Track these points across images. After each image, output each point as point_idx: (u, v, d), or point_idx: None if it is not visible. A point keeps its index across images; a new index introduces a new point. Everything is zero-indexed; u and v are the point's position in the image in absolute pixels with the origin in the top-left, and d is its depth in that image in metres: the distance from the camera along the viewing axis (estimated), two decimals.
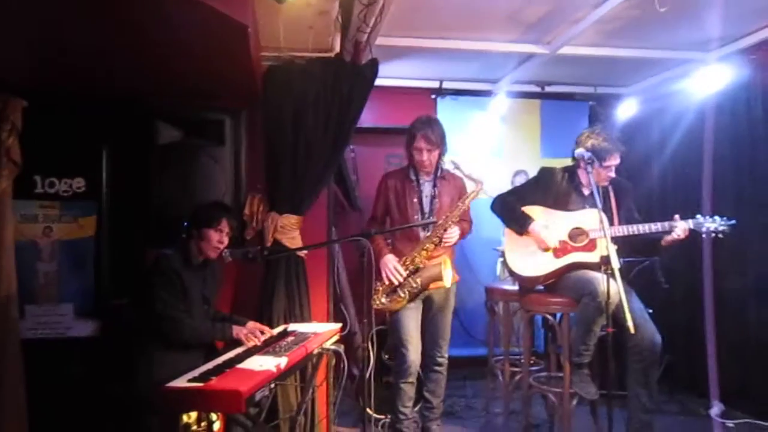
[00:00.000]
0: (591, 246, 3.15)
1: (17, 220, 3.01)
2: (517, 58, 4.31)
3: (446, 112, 4.88)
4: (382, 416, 3.47)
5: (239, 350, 2.54)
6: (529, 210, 3.27)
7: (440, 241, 3.22)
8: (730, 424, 3.75)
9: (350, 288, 4.13)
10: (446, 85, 4.95)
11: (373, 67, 3.34)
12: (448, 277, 3.20)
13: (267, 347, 2.55)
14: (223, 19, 2.23)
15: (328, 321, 3.41)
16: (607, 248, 2.72)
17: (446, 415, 3.79)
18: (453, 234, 3.22)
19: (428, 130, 3.20)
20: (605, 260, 2.69)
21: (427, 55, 4.16)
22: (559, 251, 3.20)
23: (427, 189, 3.34)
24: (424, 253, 3.20)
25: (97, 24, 2.28)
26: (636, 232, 3.05)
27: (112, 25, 2.29)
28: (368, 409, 2.95)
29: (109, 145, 3.22)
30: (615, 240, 2.96)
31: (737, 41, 3.84)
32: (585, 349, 3.08)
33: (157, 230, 3.02)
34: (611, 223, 3.12)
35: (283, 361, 2.26)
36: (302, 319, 3.27)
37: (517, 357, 3.96)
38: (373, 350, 3.26)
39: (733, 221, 3.01)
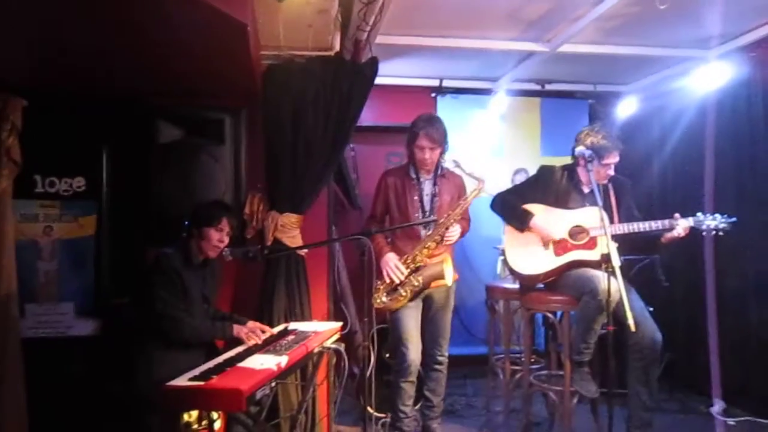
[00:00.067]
0: (591, 244, 3.15)
1: (17, 220, 3.01)
2: (517, 56, 4.31)
3: (446, 111, 4.88)
4: (383, 415, 3.47)
5: (240, 349, 2.53)
6: (530, 208, 3.27)
7: (442, 240, 3.22)
8: (731, 422, 3.75)
9: (351, 287, 4.12)
10: (446, 83, 4.95)
11: (373, 65, 3.33)
12: (450, 276, 3.20)
13: (267, 346, 2.55)
14: (222, 18, 2.23)
15: (328, 320, 3.41)
16: (607, 246, 2.71)
17: (447, 413, 3.78)
18: (455, 232, 3.22)
19: (431, 128, 3.20)
20: (606, 258, 2.68)
21: (427, 53, 4.15)
22: (560, 249, 3.19)
23: (427, 187, 3.34)
24: (425, 251, 3.20)
25: (96, 23, 2.28)
26: (636, 230, 3.05)
27: (111, 24, 2.29)
28: (369, 408, 2.95)
29: (109, 145, 3.22)
30: (615, 238, 2.96)
31: (737, 38, 3.84)
32: (585, 348, 3.08)
33: (157, 229, 3.01)
34: (611, 221, 3.12)
35: (283, 360, 2.26)
36: (303, 318, 3.27)
37: (518, 355, 3.96)
38: (373, 349, 3.25)
39: (734, 219, 3.01)
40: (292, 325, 3.06)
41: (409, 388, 3.29)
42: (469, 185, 3.42)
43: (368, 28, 3.20)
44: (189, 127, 3.12)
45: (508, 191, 3.46)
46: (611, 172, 3.19)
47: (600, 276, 2.89)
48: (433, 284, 3.23)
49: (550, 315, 3.36)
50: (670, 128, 4.58)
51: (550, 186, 3.31)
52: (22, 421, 2.66)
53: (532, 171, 3.57)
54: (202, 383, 2.01)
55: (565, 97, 5.13)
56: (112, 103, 3.10)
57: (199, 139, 3.13)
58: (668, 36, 3.84)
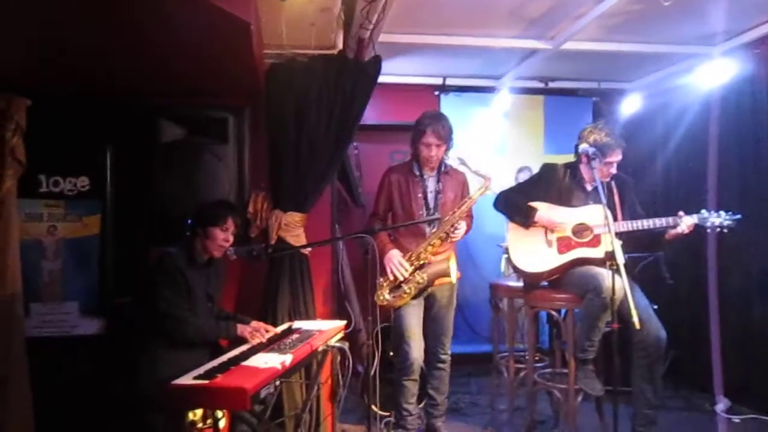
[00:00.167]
0: (595, 241, 3.14)
1: (22, 219, 3.02)
2: (520, 54, 4.30)
3: (449, 109, 4.85)
4: (387, 413, 3.46)
5: (244, 348, 2.54)
6: (534, 205, 3.25)
7: (447, 237, 3.21)
8: (736, 419, 3.73)
9: (354, 285, 4.12)
10: (449, 81, 4.94)
11: (376, 63, 3.33)
12: (455, 273, 3.19)
13: (272, 345, 2.55)
14: (225, 17, 2.23)
15: (332, 318, 3.41)
16: (611, 243, 2.70)
17: (451, 411, 3.78)
18: (462, 229, 3.22)
19: (437, 125, 3.20)
20: (610, 255, 2.67)
21: (430, 51, 4.15)
22: (563, 247, 3.19)
23: (431, 184, 3.33)
24: (430, 248, 3.19)
25: (99, 23, 2.28)
26: (640, 228, 3.04)
27: (113, 23, 2.29)
28: (373, 406, 2.96)
29: (113, 144, 3.23)
30: (619, 235, 2.95)
31: (741, 35, 3.83)
32: (590, 345, 3.07)
33: (160, 228, 3.02)
34: (615, 219, 3.10)
35: (287, 359, 2.26)
36: (306, 317, 3.27)
37: (522, 353, 3.95)
38: (377, 347, 3.25)
39: (739, 215, 3.00)
40: (296, 324, 3.06)
41: (412, 387, 3.29)
42: (472, 183, 3.42)
43: (371, 27, 3.20)
44: (192, 126, 3.12)
45: (511, 189, 3.45)
46: (614, 170, 3.19)
47: (604, 273, 2.88)
48: (436, 282, 3.23)
49: (554, 313, 3.34)
50: (674, 125, 4.56)
51: (553, 184, 3.30)
52: (27, 420, 2.66)
53: (536, 169, 3.55)
54: (206, 382, 2.01)
55: (569, 95, 5.11)
56: (116, 102, 3.11)
57: (202, 139, 3.13)
58: (672, 33, 3.82)
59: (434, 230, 3.22)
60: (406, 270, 3.16)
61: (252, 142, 3.23)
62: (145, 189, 3.10)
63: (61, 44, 2.50)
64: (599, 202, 2.87)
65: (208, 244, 2.69)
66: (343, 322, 3.11)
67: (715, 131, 4.16)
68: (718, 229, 3.02)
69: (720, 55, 3.97)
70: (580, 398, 3.21)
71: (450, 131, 3.25)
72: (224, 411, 2.40)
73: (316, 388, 3.09)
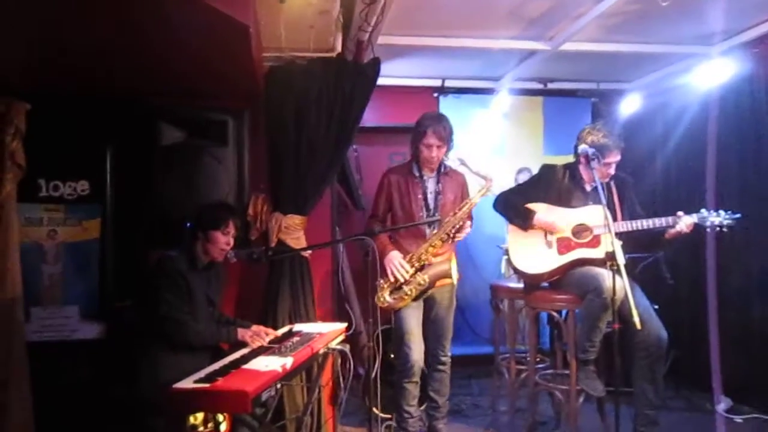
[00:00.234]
0: (595, 242, 3.14)
1: (22, 223, 3.01)
2: (519, 55, 4.30)
3: (449, 111, 4.84)
4: (389, 416, 3.46)
5: (245, 351, 2.53)
6: (532, 207, 3.26)
7: (448, 238, 3.20)
8: (738, 419, 3.72)
9: (355, 287, 4.12)
10: (448, 83, 4.94)
11: (375, 65, 3.34)
12: (455, 274, 3.19)
13: (272, 347, 2.55)
14: (224, 20, 2.23)
15: (333, 320, 3.40)
16: (611, 244, 2.69)
17: (452, 413, 3.77)
18: (467, 230, 3.22)
19: (438, 125, 3.19)
20: (610, 256, 2.67)
21: (429, 53, 4.14)
22: (563, 248, 3.18)
23: (431, 185, 3.32)
24: (431, 249, 3.19)
25: (98, 25, 2.29)
26: (639, 228, 3.04)
27: (113, 25, 2.29)
28: (374, 409, 2.95)
29: (112, 148, 3.23)
30: (619, 235, 2.94)
31: (740, 35, 3.82)
32: (591, 346, 3.06)
33: (161, 232, 3.02)
34: (614, 219, 3.09)
35: (288, 361, 2.25)
36: (307, 319, 3.27)
37: (523, 355, 3.93)
38: (378, 350, 3.24)
39: (738, 215, 2.99)
40: (297, 327, 3.06)
41: (412, 389, 3.27)
42: (472, 184, 3.42)
43: (370, 29, 3.20)
44: (192, 128, 3.12)
45: (510, 190, 3.44)
46: (612, 171, 3.18)
47: (604, 274, 2.88)
48: (436, 283, 3.22)
49: (555, 314, 3.34)
50: (673, 125, 4.56)
51: (552, 185, 3.29)
52: (28, 424, 2.66)
53: (535, 170, 3.55)
54: (207, 385, 2.01)
55: (568, 96, 5.11)
56: (115, 106, 3.11)
57: (201, 141, 3.13)
58: (670, 33, 3.82)
59: (435, 231, 3.21)
60: (407, 272, 3.15)
61: (251, 144, 3.24)
62: (144, 192, 3.10)
63: (60, 45, 2.50)
64: (599, 202, 2.86)
65: (210, 248, 2.69)
66: (344, 325, 3.10)
67: (714, 131, 4.15)
68: (718, 229, 3.01)
69: (718, 54, 3.97)
70: (581, 399, 3.20)
71: (451, 132, 3.25)
72: (225, 414, 2.35)
73: (317, 390, 3.08)
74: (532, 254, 3.22)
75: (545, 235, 3.24)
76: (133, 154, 3.16)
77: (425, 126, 3.20)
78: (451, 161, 3.33)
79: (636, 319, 2.58)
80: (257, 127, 3.29)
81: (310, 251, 3.34)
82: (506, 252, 3.57)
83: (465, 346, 4.71)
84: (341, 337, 2.95)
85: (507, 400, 3.92)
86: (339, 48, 3.34)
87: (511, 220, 3.32)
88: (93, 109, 3.13)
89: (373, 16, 3.04)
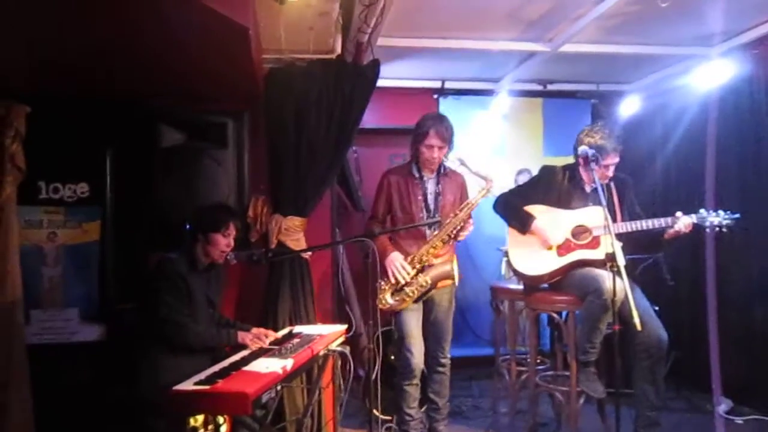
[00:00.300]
0: (594, 243, 3.14)
1: (22, 226, 3.00)
2: (519, 57, 4.30)
3: (448, 112, 4.81)
4: (389, 418, 3.45)
5: (245, 353, 2.53)
6: (532, 209, 3.25)
7: (450, 239, 3.20)
8: (739, 420, 3.72)
9: (355, 288, 4.11)
10: (448, 84, 4.94)
11: (374, 67, 3.33)
12: (457, 274, 3.19)
13: (273, 349, 2.55)
14: (224, 21, 2.23)
15: (333, 322, 3.40)
16: (611, 245, 2.69)
17: (453, 415, 3.77)
18: (469, 228, 3.21)
19: (440, 126, 3.18)
20: (610, 257, 2.67)
21: (428, 55, 4.14)
22: (563, 249, 3.18)
23: (431, 186, 3.31)
24: (432, 251, 3.18)
25: (97, 27, 2.28)
26: (638, 228, 3.04)
27: (112, 27, 2.29)
28: (375, 411, 2.97)
29: (112, 150, 3.22)
30: (618, 236, 2.94)
31: (739, 36, 3.82)
32: (591, 347, 3.06)
33: (161, 234, 3.01)
34: (614, 220, 3.10)
35: (289, 363, 2.25)
36: (307, 321, 3.26)
37: (524, 356, 3.93)
38: (378, 351, 3.24)
39: (738, 215, 2.99)
40: (297, 329, 3.06)
41: (413, 391, 3.27)
42: (471, 184, 3.41)
43: (369, 31, 3.19)
44: (191, 131, 3.12)
45: (510, 192, 3.44)
46: (610, 173, 3.18)
47: (604, 275, 2.88)
48: (439, 284, 3.22)
49: (555, 315, 3.34)
50: (672, 126, 4.56)
51: (552, 186, 3.29)
52: (28, 426, 2.66)
53: (535, 171, 3.55)
54: (207, 387, 2.00)
55: (568, 97, 5.11)
56: (115, 108, 3.11)
57: (201, 143, 3.13)
58: (670, 34, 3.82)
59: (436, 233, 3.20)
60: (408, 273, 3.15)
61: (251, 146, 3.24)
62: (144, 194, 3.10)
63: (59, 47, 2.50)
64: (599, 203, 2.86)
65: (210, 250, 2.68)
66: (344, 326, 3.10)
67: (713, 132, 4.15)
68: (717, 229, 3.00)
69: (718, 56, 3.97)
70: (582, 400, 3.20)
71: (452, 133, 3.24)
72: (225, 416, 2.36)
73: (317, 392, 3.07)
74: (532, 256, 3.22)
75: None
76: (133, 156, 3.16)
77: (427, 126, 3.19)
78: (451, 162, 3.32)
79: (636, 320, 2.57)
80: (257, 129, 3.29)
81: (310, 253, 3.34)
82: (506, 254, 3.56)
83: (465, 347, 4.71)
84: (341, 339, 2.95)
85: (507, 401, 3.91)
86: (339, 50, 3.34)
87: (509, 222, 3.32)
88: (93, 111, 3.12)
89: (372, 18, 3.03)
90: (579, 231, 3.18)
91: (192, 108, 3.17)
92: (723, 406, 3.84)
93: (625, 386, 2.97)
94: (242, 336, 2.67)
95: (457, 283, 3.25)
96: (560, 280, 3.22)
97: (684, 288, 4.31)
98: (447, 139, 3.20)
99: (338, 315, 3.70)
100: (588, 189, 3.25)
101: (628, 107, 4.77)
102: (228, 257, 2.76)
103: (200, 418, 2.28)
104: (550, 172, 3.36)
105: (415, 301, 3.20)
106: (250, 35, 2.46)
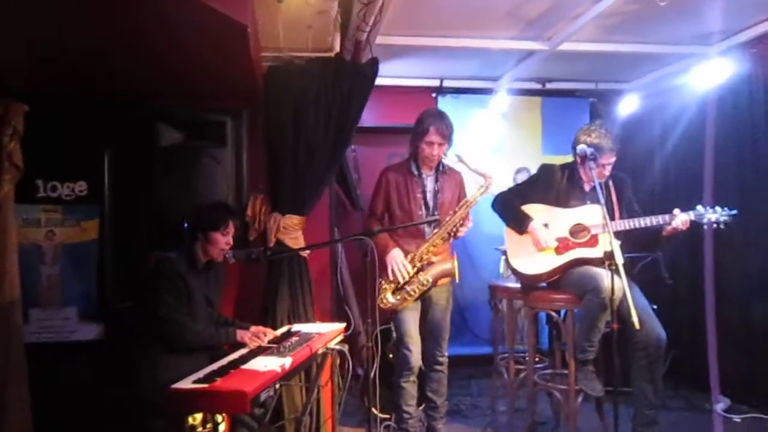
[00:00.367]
0: (593, 242, 3.13)
1: (20, 224, 3.00)
2: (518, 55, 4.30)
3: (447, 111, 4.68)
4: (387, 416, 3.45)
5: (244, 351, 2.53)
6: (530, 208, 3.25)
7: (449, 237, 3.19)
8: (736, 419, 3.72)
9: (353, 287, 4.11)
10: (447, 83, 4.94)
11: (373, 65, 3.33)
12: (458, 272, 3.19)
13: (271, 348, 2.54)
14: (222, 20, 2.23)
15: (331, 321, 3.40)
16: (610, 243, 2.69)
17: (451, 413, 3.77)
18: (468, 224, 3.20)
19: (441, 123, 3.17)
20: (608, 255, 2.66)
21: (427, 53, 4.14)
22: (561, 248, 3.17)
23: (429, 184, 3.30)
24: (432, 249, 3.17)
25: (96, 25, 2.28)
26: (636, 226, 3.03)
27: (110, 25, 2.28)
28: (373, 409, 2.95)
29: (110, 148, 3.21)
30: (617, 234, 2.93)
31: (738, 35, 3.82)
32: (589, 346, 3.05)
33: (159, 233, 3.00)
34: (613, 218, 3.09)
35: (287, 362, 2.24)
36: (306, 319, 3.26)
37: (522, 355, 3.92)
38: (377, 350, 3.23)
39: (735, 211, 2.98)
40: (296, 327, 3.05)
41: (411, 388, 3.27)
42: (469, 182, 3.41)
43: (368, 29, 3.19)
44: (190, 129, 3.12)
45: (509, 191, 3.43)
46: (607, 173, 3.17)
47: (603, 274, 2.87)
48: (438, 282, 3.21)
49: (553, 314, 3.32)
50: (671, 125, 4.55)
51: (551, 185, 3.28)
52: (26, 425, 2.65)
53: (534, 170, 3.54)
54: (206, 386, 2.00)
55: (566, 96, 5.11)
56: (113, 106, 3.10)
57: (200, 142, 3.13)
58: (669, 33, 3.82)
59: (435, 231, 3.19)
60: (408, 272, 3.14)
61: (250, 145, 3.24)
62: (143, 193, 3.09)
63: (57, 45, 2.49)
64: (597, 202, 2.85)
65: (209, 249, 2.68)
66: (343, 325, 3.09)
67: (712, 131, 4.15)
68: (715, 225, 3.00)
69: (717, 54, 3.97)
70: (580, 399, 3.19)
71: (452, 130, 3.23)
72: (224, 415, 2.34)
73: (315, 391, 3.07)
74: (530, 255, 3.21)
75: None
76: (132, 154, 3.15)
77: (427, 123, 3.17)
78: (449, 159, 3.31)
79: (635, 319, 2.58)
80: (256, 128, 3.28)
81: (308, 251, 3.34)
82: (504, 253, 3.55)
83: (464, 346, 4.71)
84: (340, 338, 2.95)
85: (506, 400, 3.90)
86: (337, 48, 3.33)
87: (507, 222, 3.31)
88: (91, 110, 3.11)
89: (371, 16, 3.03)
90: (577, 229, 3.18)
91: (190, 106, 3.17)
92: (721, 404, 3.83)
93: (623, 385, 2.94)
94: (241, 334, 2.67)
95: (458, 280, 3.24)
96: (559, 279, 3.21)
97: (682, 286, 4.31)
98: (447, 136, 3.19)
99: (337, 313, 3.70)
100: (587, 188, 3.25)
101: (627, 106, 4.77)
102: (227, 256, 2.76)
103: (199, 416, 2.26)
104: (549, 170, 3.34)
105: (415, 300, 3.19)
106: (249, 33, 2.45)
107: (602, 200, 2.80)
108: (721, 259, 4.02)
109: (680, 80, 4.37)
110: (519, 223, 3.22)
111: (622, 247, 2.84)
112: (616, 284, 2.66)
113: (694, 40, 3.97)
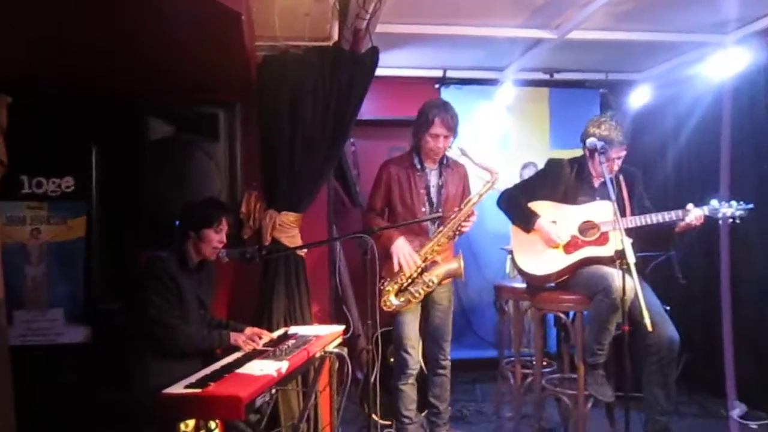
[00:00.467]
0: (603, 240, 3.07)
1: (3, 222, 2.99)
2: (524, 44, 4.24)
3: (450, 102, 4.80)
4: (388, 422, 3.43)
5: (238, 354, 2.50)
6: (537, 205, 3.19)
7: (455, 235, 3.14)
8: (753, 425, 3.66)
9: (353, 288, 4.09)
10: (450, 74, 4.88)
11: (373, 55, 3.27)
12: (463, 272, 3.14)
13: (267, 351, 2.52)
14: (215, 7, 2.19)
15: (330, 323, 3.38)
16: (621, 241, 2.64)
17: (455, 420, 3.74)
18: (473, 218, 3.13)
19: (446, 114, 3.10)
20: (620, 254, 2.60)
21: (429, 42, 4.10)
22: (570, 246, 3.12)
23: (433, 178, 3.23)
24: (437, 248, 3.11)
25: (83, 12, 2.21)
26: (648, 222, 2.98)
27: (100, 15, 2.23)
28: (374, 415, 2.92)
29: (98, 143, 3.17)
30: (628, 232, 2.88)
31: (755, 22, 3.75)
32: (600, 349, 3.01)
33: (150, 231, 2.97)
34: (623, 214, 3.04)
35: (284, 366, 2.21)
36: (303, 321, 3.24)
37: (529, 358, 3.91)
38: (378, 353, 3.17)
39: (751, 205, 2.93)
40: (293, 329, 3.03)
41: (410, 391, 3.21)
42: (473, 177, 3.34)
43: (368, 17, 3.13)
44: (181, 123, 3.07)
45: (516, 187, 3.39)
46: (616, 167, 3.13)
47: (614, 273, 2.83)
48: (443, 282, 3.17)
49: (562, 315, 3.28)
50: (685, 117, 4.50)
51: (559, 180, 3.22)
52: (9, 428, 2.59)
53: (541, 165, 3.50)
54: (198, 391, 1.97)
55: (575, 87, 5.04)
56: (101, 99, 3.05)
57: (192, 135, 3.08)
58: (683, 20, 3.76)
59: (440, 229, 3.12)
60: (416, 263, 3.05)
61: (244, 138, 3.18)
62: (132, 189, 3.04)
63: (42, 35, 2.43)
64: (607, 197, 2.81)
65: (202, 247, 2.63)
66: (341, 327, 3.06)
67: (728, 123, 4.09)
68: (731, 221, 2.95)
69: (733, 43, 3.90)
70: (589, 404, 3.16)
71: (457, 121, 3.15)
72: (217, 421, 2.33)
73: (313, 396, 3.01)
74: (538, 255, 3.15)
75: None
76: (120, 149, 3.10)
77: (432, 114, 3.09)
78: (452, 152, 3.23)
79: (647, 320, 2.55)
80: (250, 121, 3.23)
81: (305, 250, 3.30)
82: (510, 253, 3.49)
83: (468, 349, 4.68)
84: (339, 340, 2.93)
85: (512, 405, 3.89)
86: (336, 37, 3.29)
87: (513, 220, 3.26)
88: (78, 103, 3.06)
89: (371, 3, 2.97)
90: (586, 227, 3.12)
91: (182, 99, 3.11)
92: (737, 410, 3.77)
93: (634, 390, 2.92)
94: (235, 337, 2.63)
95: (464, 279, 3.19)
96: (567, 279, 3.16)
97: (696, 287, 4.26)
98: (453, 128, 3.12)
99: (335, 315, 3.68)
100: (597, 183, 3.20)
101: (639, 97, 4.71)
102: (220, 255, 2.71)
103: (191, 423, 2.22)
104: (557, 165, 3.29)
105: (419, 301, 3.14)
106: (243, 21, 2.40)
107: (613, 196, 2.76)
108: (737, 258, 3.97)
109: (694, 70, 4.31)
110: (526, 220, 3.17)
111: (633, 245, 2.79)
112: (628, 284, 2.63)
113: (709, 29, 3.91)
